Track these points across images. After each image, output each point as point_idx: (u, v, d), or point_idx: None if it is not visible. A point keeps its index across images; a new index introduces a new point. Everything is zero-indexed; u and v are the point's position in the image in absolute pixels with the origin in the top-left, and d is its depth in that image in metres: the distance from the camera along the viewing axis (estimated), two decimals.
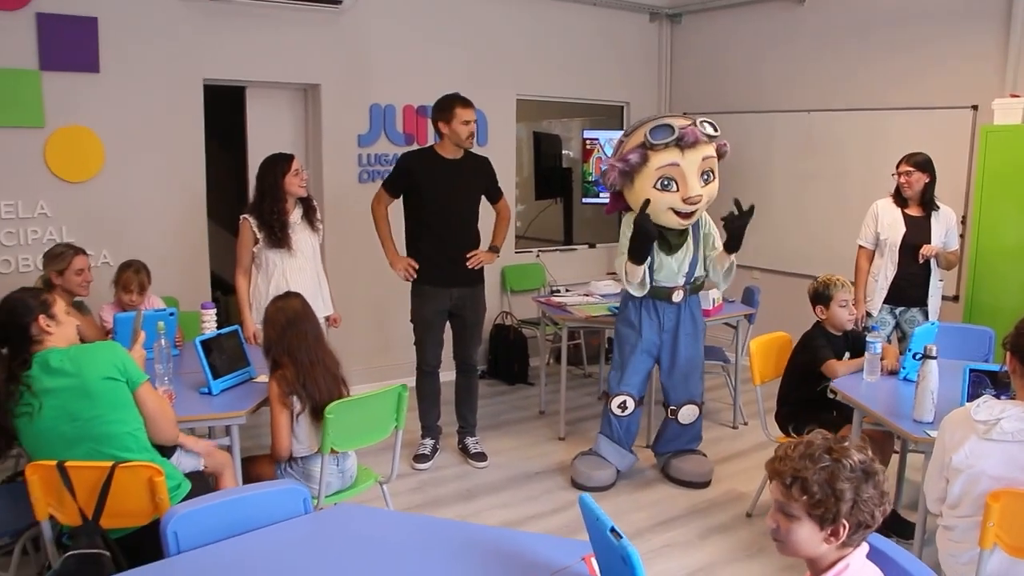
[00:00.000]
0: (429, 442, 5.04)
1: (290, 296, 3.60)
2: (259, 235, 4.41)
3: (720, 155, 4.43)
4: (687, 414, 4.72)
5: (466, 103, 4.66)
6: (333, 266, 5.22)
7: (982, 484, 2.59)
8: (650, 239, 4.27)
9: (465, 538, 2.27)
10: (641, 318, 4.57)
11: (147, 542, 2.66)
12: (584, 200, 7.50)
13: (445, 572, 2.07)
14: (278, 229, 4.38)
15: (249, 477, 3.51)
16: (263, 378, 3.79)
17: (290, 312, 3.45)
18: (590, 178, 7.17)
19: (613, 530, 1.74)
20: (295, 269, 4.48)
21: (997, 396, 2.75)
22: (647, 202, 4.24)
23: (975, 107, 5.71)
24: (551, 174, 7.75)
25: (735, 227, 4.30)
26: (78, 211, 5.06)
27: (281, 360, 3.39)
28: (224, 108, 5.81)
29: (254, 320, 4.51)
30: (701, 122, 4.29)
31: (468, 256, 4.77)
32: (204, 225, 5.56)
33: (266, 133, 5.74)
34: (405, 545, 2.25)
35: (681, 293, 4.55)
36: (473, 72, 6.40)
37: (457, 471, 4.93)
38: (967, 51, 5.76)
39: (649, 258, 4.37)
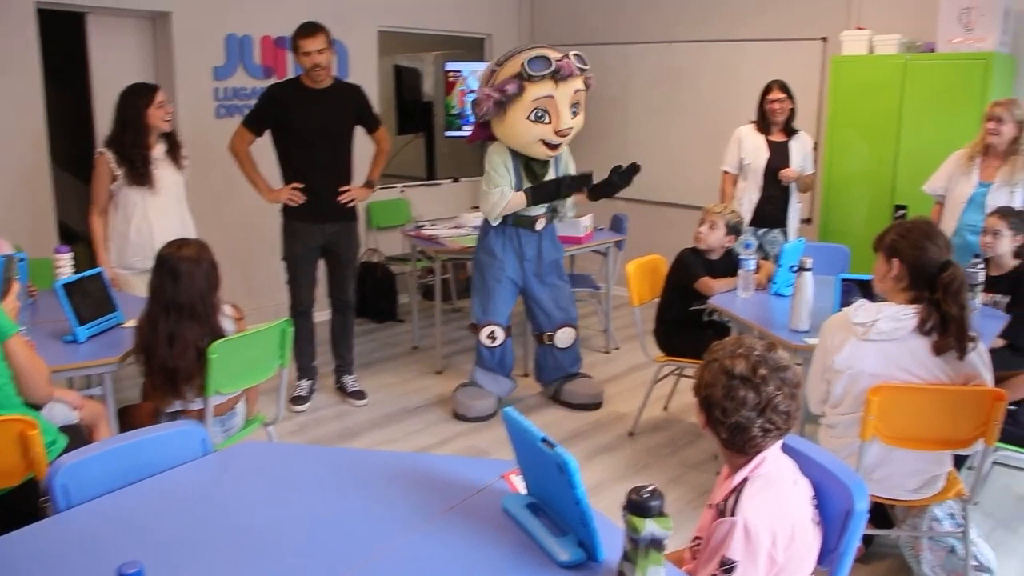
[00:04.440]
0: (306, 383, 4.93)
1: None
2: (118, 171, 4.11)
3: (587, 87, 4.46)
4: (563, 337, 4.79)
5: (307, 33, 4.42)
6: (191, 207, 4.97)
7: (862, 382, 2.75)
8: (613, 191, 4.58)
9: (379, 465, 2.21)
10: (504, 248, 4.61)
11: (21, 505, 2.48)
12: (447, 134, 7.41)
13: (363, 501, 2.01)
14: (140, 165, 4.10)
15: (125, 429, 3.32)
16: (132, 323, 3.59)
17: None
18: (453, 111, 7.07)
19: (544, 440, 1.73)
20: (158, 209, 4.22)
21: (870, 301, 2.91)
22: (638, 166, 4.51)
23: (824, 39, 5.95)
24: (412, 108, 7.61)
25: (615, 185, 4.54)
26: None
27: None
28: (62, 38, 5.37)
29: (112, 264, 4.26)
30: (574, 55, 4.31)
31: (341, 190, 4.64)
32: (47, 167, 5.14)
33: (111, 66, 5.34)
34: (317, 477, 2.17)
35: (544, 221, 4.62)
36: (333, 2, 6.15)
37: (336, 411, 4.85)
38: None
39: (500, 193, 4.44)
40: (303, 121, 4.49)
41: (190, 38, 5.55)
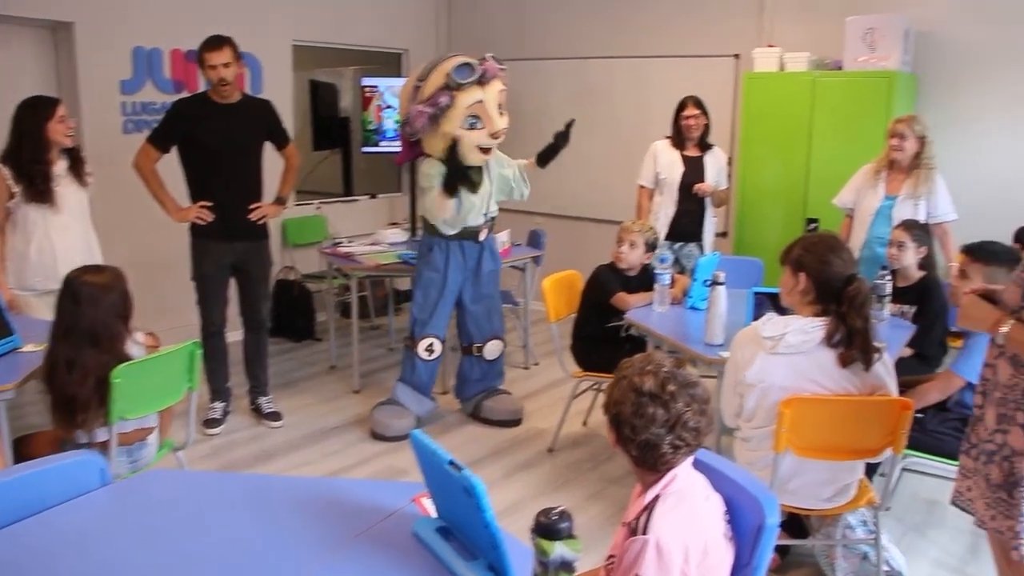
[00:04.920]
0: (219, 405, 4.78)
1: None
2: (16, 188, 3.93)
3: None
4: (492, 349, 4.79)
5: (212, 46, 4.32)
6: (97, 225, 4.79)
7: (773, 396, 2.77)
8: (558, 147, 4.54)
9: (288, 491, 2.14)
10: (448, 261, 4.55)
11: None
12: (364, 150, 7.31)
13: (269, 529, 1.94)
14: (40, 181, 3.93)
15: (22, 460, 3.15)
16: (30, 348, 3.43)
17: None
18: (370, 127, 6.99)
19: (452, 462, 1.69)
20: (60, 228, 4.05)
21: (779, 314, 2.95)
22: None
23: (737, 56, 6.07)
24: (329, 124, 7.50)
25: (557, 147, 4.53)
26: None
27: None
28: None
29: (11, 285, 4.07)
30: (491, 56, 4.31)
31: (251, 208, 4.54)
32: None
33: (8, 78, 5.08)
34: (221, 506, 2.09)
35: (486, 231, 4.61)
36: (246, 14, 6.04)
37: (251, 433, 4.72)
38: (728, 5, 6.13)
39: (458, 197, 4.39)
40: (211, 137, 4.38)
41: (94, 50, 5.35)
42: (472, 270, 4.64)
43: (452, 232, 4.50)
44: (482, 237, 4.59)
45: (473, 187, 4.42)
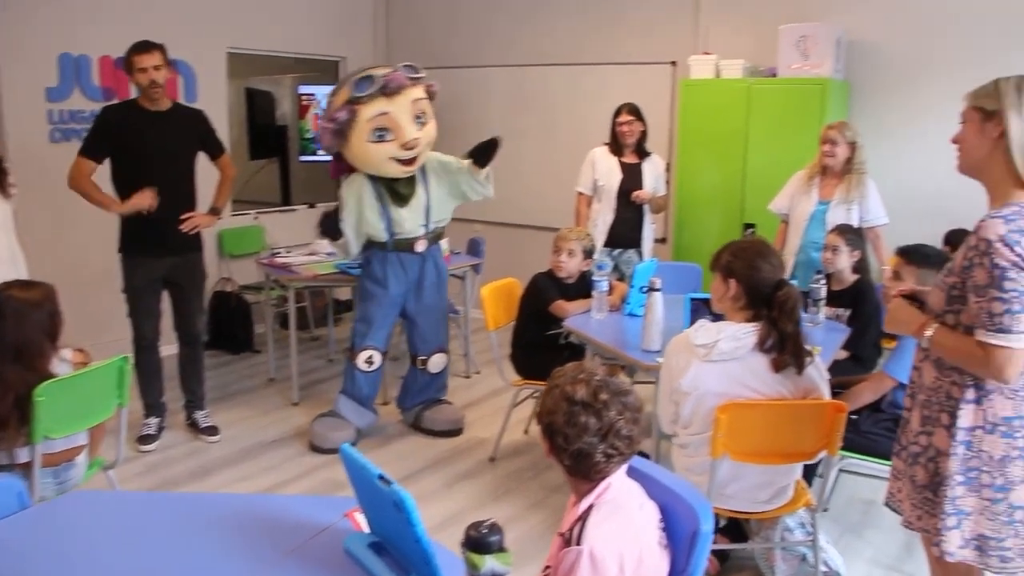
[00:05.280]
0: (154, 421, 4.67)
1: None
2: None
3: (430, 96, 4.41)
4: (437, 362, 4.76)
5: (142, 49, 4.23)
6: (23, 238, 4.65)
7: (708, 402, 2.78)
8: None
9: (218, 509, 2.09)
10: (387, 273, 4.50)
11: None
12: (301, 158, 7.24)
13: (199, 550, 1.89)
14: None
15: None
16: None
17: None
18: (308, 135, 6.93)
19: (381, 477, 1.66)
20: None
21: (713, 320, 2.96)
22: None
23: (674, 63, 6.13)
24: (266, 132, 7.40)
25: (487, 148, 4.42)
26: None
27: None
28: None
29: None
30: (403, 66, 4.25)
31: (183, 218, 4.43)
32: None
33: None
34: (148, 527, 2.03)
35: (424, 243, 4.54)
36: (180, 21, 5.92)
37: (188, 448, 4.61)
38: (665, 12, 6.18)
39: (347, 231, 4.41)
40: (141, 145, 4.26)
41: (17, 56, 5.18)
42: (414, 282, 4.59)
43: (348, 258, 4.54)
44: (419, 248, 4.53)
45: (402, 200, 4.40)
